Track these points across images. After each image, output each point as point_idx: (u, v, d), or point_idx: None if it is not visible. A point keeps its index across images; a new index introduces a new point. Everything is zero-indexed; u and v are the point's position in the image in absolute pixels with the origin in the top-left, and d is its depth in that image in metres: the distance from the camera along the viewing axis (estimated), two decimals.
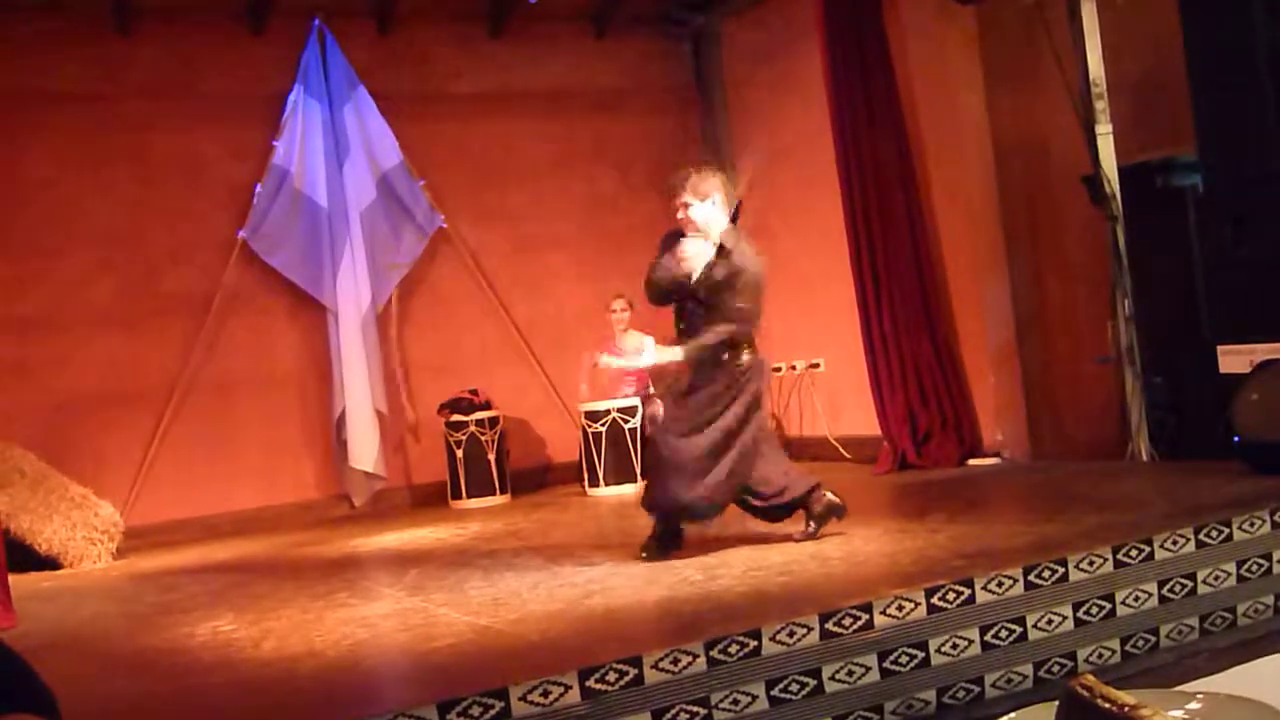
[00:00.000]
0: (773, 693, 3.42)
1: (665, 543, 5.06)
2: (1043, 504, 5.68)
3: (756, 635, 3.43)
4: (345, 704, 3.39)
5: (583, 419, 8.09)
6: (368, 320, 8.25)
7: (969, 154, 7.36)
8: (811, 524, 5.06)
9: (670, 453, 4.99)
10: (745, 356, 5.04)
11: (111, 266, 7.84)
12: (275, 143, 8.15)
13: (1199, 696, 1.36)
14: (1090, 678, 1.21)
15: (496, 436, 8.23)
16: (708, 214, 5.04)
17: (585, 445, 8.06)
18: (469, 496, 8.16)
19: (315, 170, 8.24)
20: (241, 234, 8.06)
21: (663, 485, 5.02)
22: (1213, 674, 1.52)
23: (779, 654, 3.44)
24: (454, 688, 3.17)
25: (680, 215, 5.07)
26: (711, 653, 3.36)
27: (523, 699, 3.12)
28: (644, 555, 5.02)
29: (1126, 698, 1.17)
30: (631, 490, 7.82)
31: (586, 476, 8.07)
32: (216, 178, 8.11)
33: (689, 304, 5.08)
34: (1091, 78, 6.43)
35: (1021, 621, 3.81)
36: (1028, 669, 3.79)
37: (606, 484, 7.94)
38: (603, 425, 7.95)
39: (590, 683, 3.21)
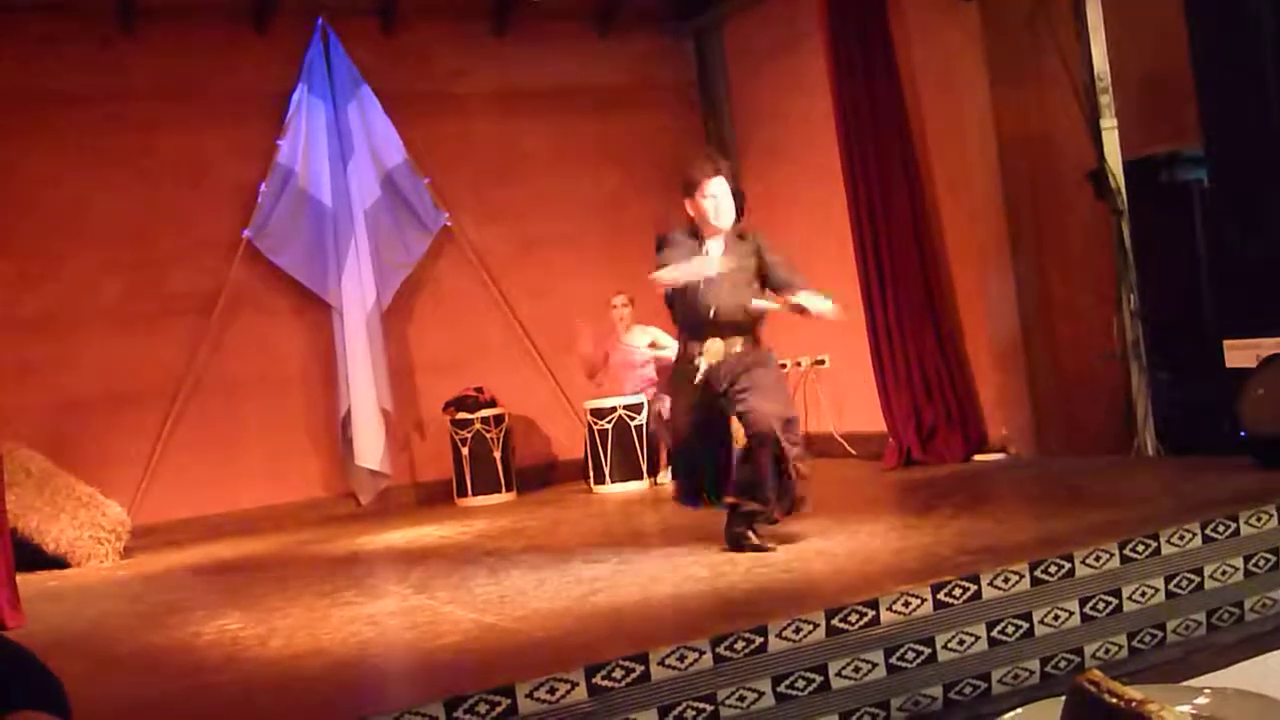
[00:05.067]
0: (779, 689, 3.42)
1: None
2: (1049, 499, 5.68)
3: (763, 632, 3.43)
4: (352, 702, 3.39)
5: (588, 416, 8.08)
6: (373, 319, 8.26)
7: (973, 149, 7.35)
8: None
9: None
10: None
11: (117, 266, 7.85)
12: (279, 142, 8.15)
13: (1206, 691, 1.35)
14: (1097, 673, 1.21)
15: (502, 434, 8.23)
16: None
17: (591, 442, 8.05)
18: (474, 494, 8.17)
19: (320, 169, 8.25)
20: (246, 233, 8.07)
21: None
22: (1220, 669, 1.51)
23: (785, 650, 3.44)
24: (460, 685, 3.17)
25: (715, 193, 4.85)
26: (718, 649, 3.36)
27: (529, 696, 3.13)
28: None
29: (1134, 693, 1.17)
30: (637, 488, 7.83)
31: (592, 474, 8.06)
32: (221, 177, 8.12)
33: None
34: (1096, 72, 6.41)
35: (1028, 617, 3.80)
36: (1034, 665, 3.79)
37: (612, 481, 7.93)
38: (609, 422, 7.94)
39: (597, 679, 3.21)
